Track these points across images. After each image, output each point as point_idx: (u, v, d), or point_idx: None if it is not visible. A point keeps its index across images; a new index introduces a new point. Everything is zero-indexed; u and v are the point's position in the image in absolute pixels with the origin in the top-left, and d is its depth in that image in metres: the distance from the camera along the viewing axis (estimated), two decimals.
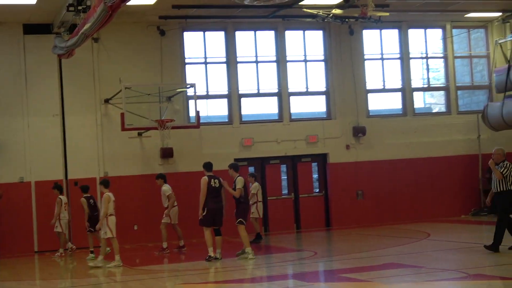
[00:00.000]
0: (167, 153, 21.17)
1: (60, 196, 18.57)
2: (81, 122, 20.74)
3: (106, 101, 20.66)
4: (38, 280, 15.14)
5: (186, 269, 15.05)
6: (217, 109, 22.10)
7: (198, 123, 19.61)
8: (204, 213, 15.32)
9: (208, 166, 15.57)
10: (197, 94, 19.59)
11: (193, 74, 21.71)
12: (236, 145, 21.91)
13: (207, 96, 21.87)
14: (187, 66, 21.81)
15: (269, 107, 22.69)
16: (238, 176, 15.53)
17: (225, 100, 22.20)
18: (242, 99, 22.22)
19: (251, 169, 21.50)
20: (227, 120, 22.14)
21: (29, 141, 20.38)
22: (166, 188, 17.96)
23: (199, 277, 13.69)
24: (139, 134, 20.80)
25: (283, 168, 22.61)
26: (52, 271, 16.21)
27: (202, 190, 15.16)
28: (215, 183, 15.23)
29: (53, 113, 20.58)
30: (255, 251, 15.93)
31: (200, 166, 15.99)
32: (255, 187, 18.71)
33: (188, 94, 20.54)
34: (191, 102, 20.20)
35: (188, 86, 20.15)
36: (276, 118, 22.69)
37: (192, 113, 20.35)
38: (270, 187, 22.25)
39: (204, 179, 15.21)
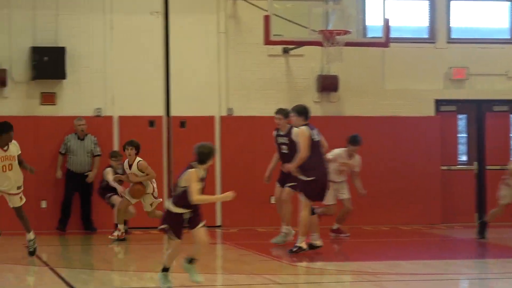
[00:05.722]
0: (329, 85, 17.08)
1: None
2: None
3: None
4: None
5: None
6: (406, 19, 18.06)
7: (387, 38, 15.62)
8: None
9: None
10: None
11: None
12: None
13: None
14: None
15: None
16: None
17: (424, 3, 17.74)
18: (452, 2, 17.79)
19: None
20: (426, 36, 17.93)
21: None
22: None
23: None
24: (286, 52, 17.10)
25: None
26: None
27: None
28: None
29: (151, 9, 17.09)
30: None
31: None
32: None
33: None
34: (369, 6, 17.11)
35: None
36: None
37: (370, 23, 16.99)
38: (490, 148, 17.41)
39: None
